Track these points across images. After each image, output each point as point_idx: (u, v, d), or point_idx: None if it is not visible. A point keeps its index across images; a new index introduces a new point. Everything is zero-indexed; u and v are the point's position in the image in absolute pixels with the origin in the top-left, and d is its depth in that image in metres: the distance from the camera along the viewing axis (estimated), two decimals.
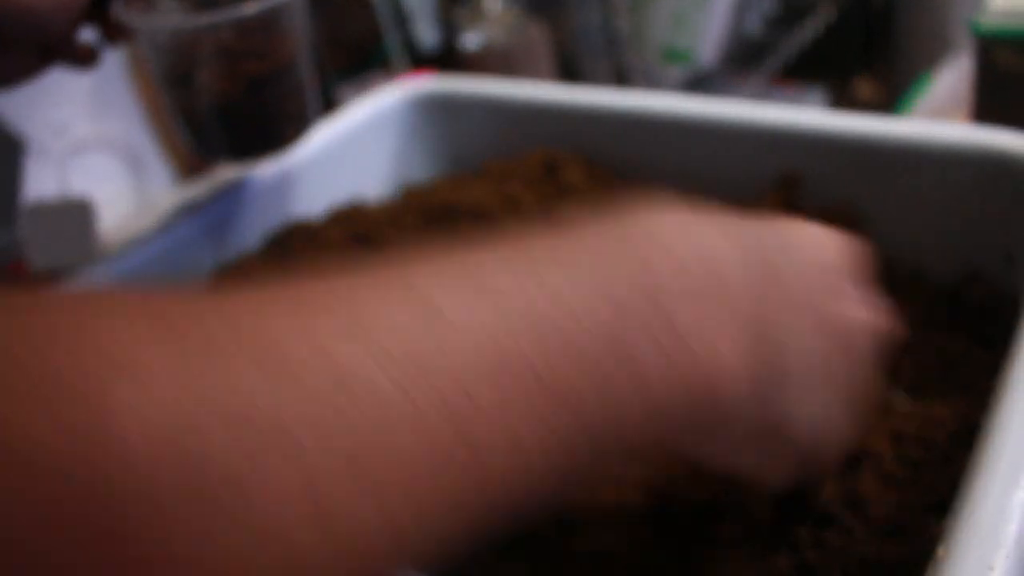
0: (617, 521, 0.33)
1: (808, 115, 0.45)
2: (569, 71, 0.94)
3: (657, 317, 0.17)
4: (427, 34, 0.97)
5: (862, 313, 0.23)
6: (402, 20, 0.95)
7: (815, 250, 0.23)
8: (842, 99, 1.51)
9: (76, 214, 0.65)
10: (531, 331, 0.15)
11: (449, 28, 0.95)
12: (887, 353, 0.25)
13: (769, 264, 0.21)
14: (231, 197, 0.51)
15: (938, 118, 0.73)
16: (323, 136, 0.56)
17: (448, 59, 0.97)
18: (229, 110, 0.44)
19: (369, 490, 0.14)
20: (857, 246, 0.25)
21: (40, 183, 0.80)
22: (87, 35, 0.43)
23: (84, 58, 0.43)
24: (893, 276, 0.42)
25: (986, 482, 0.25)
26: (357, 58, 0.95)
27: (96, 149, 0.86)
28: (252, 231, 0.52)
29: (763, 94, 1.18)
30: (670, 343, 0.17)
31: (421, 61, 0.96)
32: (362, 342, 0.14)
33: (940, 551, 0.24)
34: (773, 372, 0.20)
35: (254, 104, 0.44)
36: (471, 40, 0.84)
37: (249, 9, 0.41)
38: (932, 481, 0.30)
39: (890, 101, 1.46)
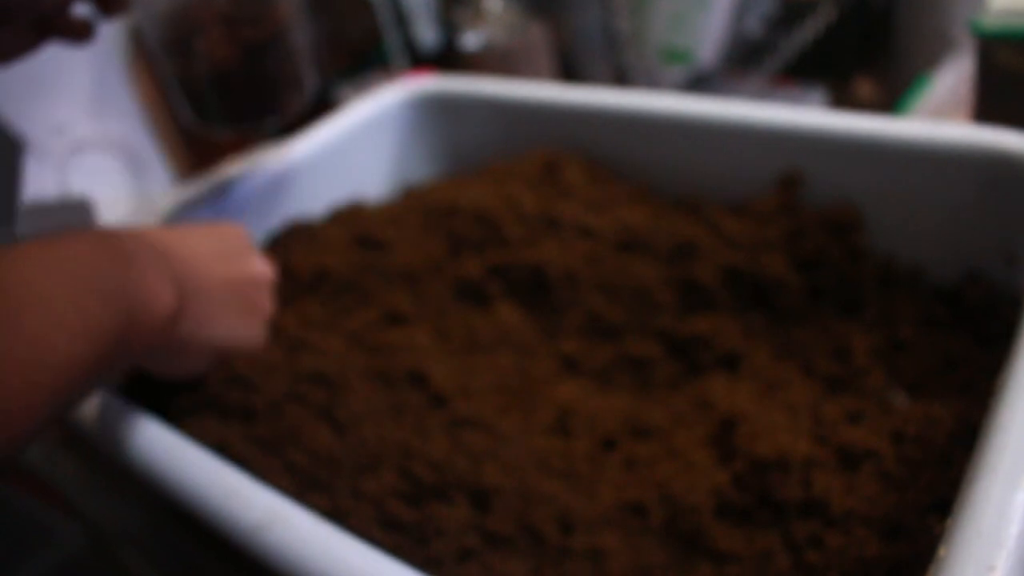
0: (617, 521, 0.33)
1: (808, 115, 0.45)
2: (569, 71, 0.94)
3: (134, 278, 0.32)
4: (427, 34, 0.97)
5: (252, 267, 0.41)
6: (402, 20, 0.95)
7: (220, 236, 0.40)
8: (842, 99, 1.50)
9: (76, 213, 0.65)
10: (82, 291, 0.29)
11: (449, 28, 0.95)
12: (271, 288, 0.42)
13: (186, 243, 0.38)
14: (230, 196, 0.51)
15: (938, 118, 0.72)
16: (323, 136, 0.56)
17: (448, 59, 0.97)
18: (227, 77, 0.44)
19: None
20: (241, 229, 0.41)
21: (40, 183, 0.80)
22: (83, 9, 0.43)
23: (80, 32, 0.43)
24: (894, 276, 0.42)
25: (987, 482, 0.25)
26: (357, 58, 0.94)
27: (96, 149, 0.85)
28: (252, 230, 0.52)
29: (763, 94, 1.18)
30: (138, 291, 0.32)
31: (421, 61, 0.96)
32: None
33: (941, 551, 0.24)
34: (183, 297, 0.35)
35: (252, 70, 0.45)
36: (471, 40, 0.84)
37: None
38: (932, 481, 0.30)
39: (890, 101, 1.45)
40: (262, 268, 0.41)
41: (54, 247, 0.30)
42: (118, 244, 0.32)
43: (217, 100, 0.45)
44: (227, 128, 0.47)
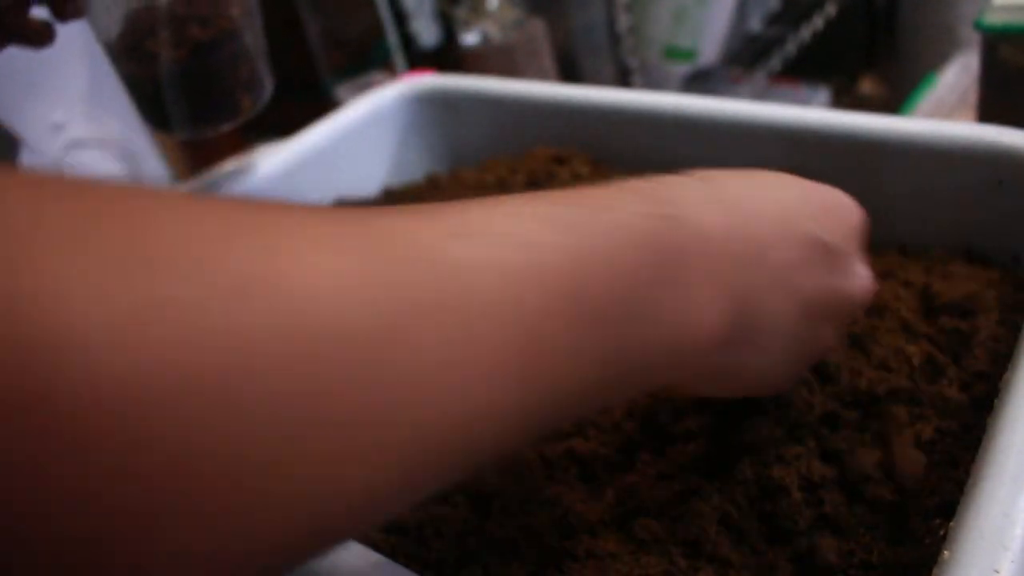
0: (618, 523, 0.33)
1: (813, 113, 0.44)
2: (570, 69, 0.94)
3: (672, 279, 0.21)
4: (427, 32, 0.96)
5: (850, 287, 0.26)
6: (401, 18, 0.95)
7: (830, 210, 0.26)
8: (846, 97, 1.50)
9: None
10: (565, 296, 0.18)
11: (449, 26, 0.95)
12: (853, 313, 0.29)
13: (760, 243, 0.24)
14: (228, 196, 0.51)
15: (943, 116, 0.72)
16: (323, 134, 0.56)
17: (448, 57, 0.96)
18: (178, 78, 0.44)
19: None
20: (856, 210, 0.28)
21: None
22: (42, 12, 0.43)
23: (39, 35, 0.43)
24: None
25: (992, 485, 0.24)
26: (357, 57, 0.94)
27: (93, 148, 0.85)
28: None
29: (766, 92, 1.17)
30: (674, 304, 0.21)
31: (421, 59, 0.96)
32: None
33: (945, 554, 0.24)
34: (744, 335, 0.23)
35: (201, 70, 0.44)
36: (471, 37, 0.84)
37: None
38: (937, 483, 0.29)
39: (894, 99, 1.45)
40: (858, 288, 0.26)
41: (556, 211, 0.19)
42: (681, 229, 0.21)
43: (172, 102, 0.45)
44: (183, 131, 0.47)
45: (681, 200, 0.23)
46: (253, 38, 0.46)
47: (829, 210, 0.27)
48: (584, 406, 0.21)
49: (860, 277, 0.27)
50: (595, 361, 0.19)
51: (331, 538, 0.17)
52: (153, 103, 0.46)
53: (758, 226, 0.24)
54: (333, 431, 0.14)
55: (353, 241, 0.16)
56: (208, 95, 0.45)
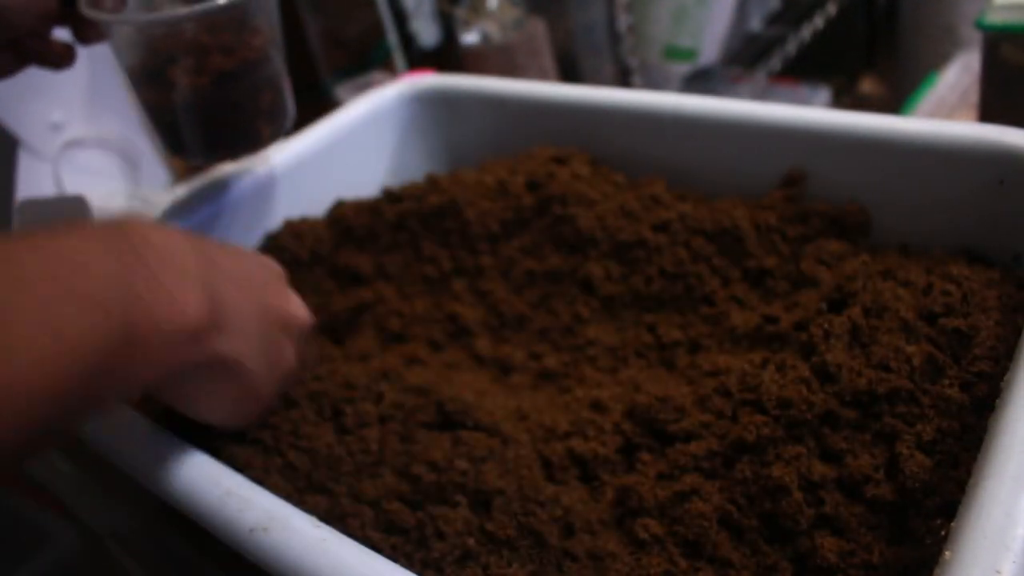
0: (617, 523, 0.33)
1: (813, 113, 0.44)
2: (569, 68, 0.94)
3: (145, 274, 0.26)
4: (426, 32, 0.96)
5: (293, 308, 0.34)
6: (401, 18, 0.95)
7: (260, 263, 0.34)
8: (846, 97, 1.50)
9: (71, 212, 0.65)
10: (61, 296, 0.24)
11: (448, 25, 0.95)
12: (303, 338, 0.35)
13: (231, 257, 0.31)
14: (228, 195, 0.51)
15: (944, 115, 0.72)
16: (322, 134, 0.56)
17: (448, 57, 0.96)
18: (198, 106, 0.44)
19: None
20: (279, 267, 0.36)
21: (35, 183, 0.80)
22: (62, 34, 0.43)
23: (60, 57, 0.43)
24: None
25: (993, 485, 0.24)
26: (357, 57, 0.94)
27: (91, 149, 0.85)
28: (251, 229, 0.52)
29: (766, 92, 1.17)
30: (153, 288, 0.26)
31: (421, 59, 0.96)
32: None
33: (947, 554, 0.24)
34: (217, 309, 0.28)
35: (223, 99, 0.44)
36: (471, 37, 0.84)
37: (217, 4, 0.41)
38: (938, 483, 0.29)
39: (895, 99, 1.45)
40: (302, 312, 0.35)
41: (46, 241, 0.25)
42: (127, 236, 0.27)
43: (191, 130, 0.45)
44: (200, 158, 0.47)
45: (129, 222, 0.28)
46: (276, 67, 0.46)
47: (261, 260, 0.35)
48: (107, 383, 0.25)
49: (298, 307, 0.35)
50: (103, 335, 0.24)
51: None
52: (171, 130, 0.45)
53: (207, 245, 0.31)
54: None
55: None
56: (229, 124, 0.45)
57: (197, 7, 0.41)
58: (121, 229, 0.27)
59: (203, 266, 0.28)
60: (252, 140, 0.46)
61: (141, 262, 0.26)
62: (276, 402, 0.35)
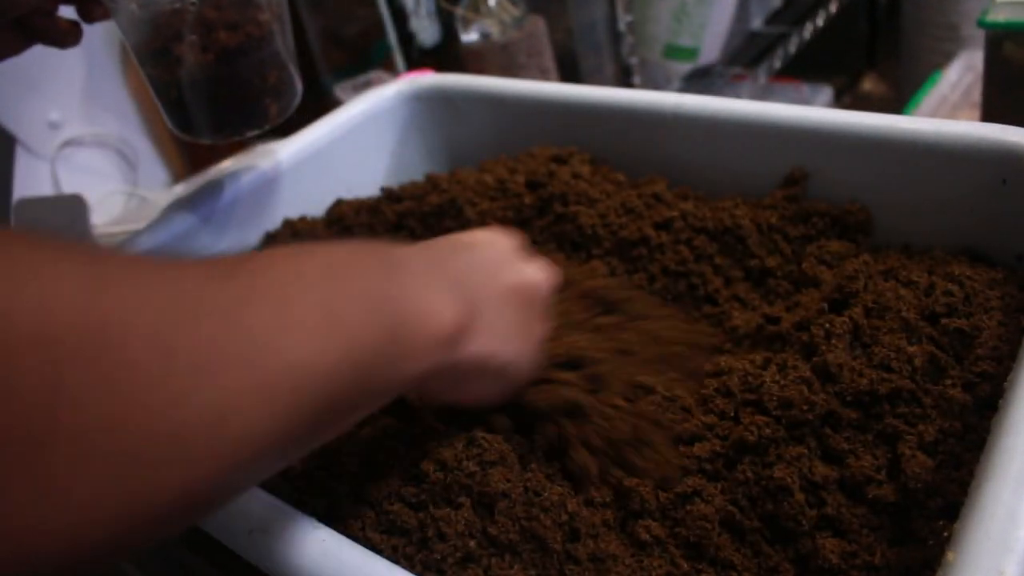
0: (620, 525, 0.33)
1: (815, 112, 0.44)
2: (569, 67, 0.93)
3: (401, 282, 0.28)
4: (426, 31, 0.96)
5: (531, 278, 0.34)
6: (401, 17, 0.94)
7: (490, 243, 0.34)
8: (848, 96, 1.50)
9: (69, 211, 0.65)
10: (337, 293, 0.25)
11: (448, 24, 0.95)
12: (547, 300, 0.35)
13: (461, 250, 0.33)
14: (227, 194, 0.51)
15: (946, 114, 0.72)
16: (322, 133, 0.55)
17: (448, 55, 0.96)
18: (204, 83, 0.43)
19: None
20: (516, 234, 0.36)
21: (33, 182, 0.80)
22: (69, 12, 0.43)
23: (67, 35, 0.43)
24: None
25: (996, 486, 0.24)
26: (357, 56, 0.94)
27: (90, 147, 0.85)
28: (251, 227, 0.52)
29: (767, 91, 1.17)
30: (413, 297, 0.27)
31: (421, 58, 0.96)
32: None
33: (949, 556, 0.23)
34: (471, 312, 0.30)
35: (228, 76, 0.44)
36: (471, 36, 0.84)
37: None
38: (941, 485, 0.29)
39: (897, 97, 1.44)
40: (542, 274, 0.35)
41: (307, 249, 0.26)
42: (384, 248, 0.28)
43: (197, 107, 0.45)
44: (207, 136, 0.46)
45: (373, 242, 0.30)
46: (283, 44, 0.46)
47: (492, 238, 0.35)
48: (380, 376, 0.26)
49: (537, 269, 0.35)
50: (376, 329, 0.25)
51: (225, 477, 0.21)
52: (177, 107, 0.45)
53: (439, 249, 0.32)
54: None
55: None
56: (235, 101, 0.45)
57: None
58: (373, 246, 0.28)
59: (452, 273, 0.30)
60: (259, 117, 0.46)
61: (404, 271, 0.28)
62: (535, 371, 0.35)
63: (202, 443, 0.19)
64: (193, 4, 0.41)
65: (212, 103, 0.44)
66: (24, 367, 0.17)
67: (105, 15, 0.44)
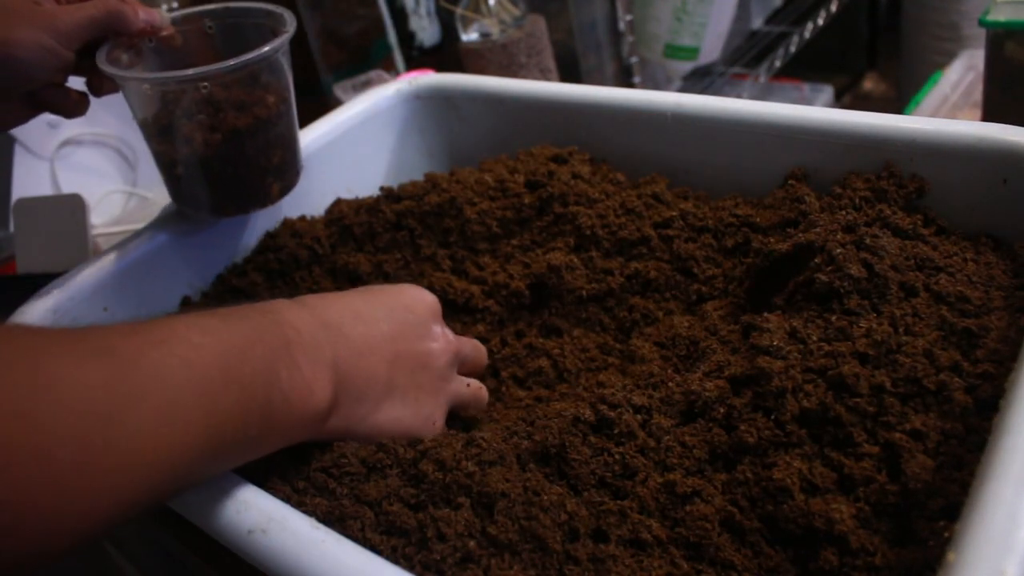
0: (618, 528, 0.33)
1: (815, 112, 0.44)
2: (569, 67, 0.93)
3: (284, 360, 0.30)
4: (426, 30, 0.96)
5: (426, 347, 0.37)
6: (401, 17, 0.94)
7: (394, 308, 0.37)
8: (849, 95, 1.50)
9: (68, 212, 0.65)
10: (217, 378, 0.28)
11: (448, 24, 0.95)
12: (455, 361, 0.39)
13: (361, 323, 0.35)
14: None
15: (947, 114, 0.72)
16: (322, 133, 0.55)
17: (448, 55, 0.96)
18: (209, 162, 0.44)
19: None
20: (429, 298, 0.39)
21: (32, 181, 0.80)
22: (76, 82, 0.43)
23: (74, 105, 0.44)
24: None
25: (997, 487, 0.24)
26: (357, 56, 0.94)
27: (89, 147, 0.85)
28: (251, 227, 0.52)
29: (768, 91, 1.17)
30: (290, 377, 0.30)
31: (420, 57, 0.96)
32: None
33: (950, 556, 0.23)
34: (345, 387, 0.33)
35: (234, 156, 0.44)
36: (471, 35, 0.84)
37: (229, 64, 0.41)
38: (942, 485, 0.29)
39: (898, 97, 1.44)
40: (438, 346, 0.37)
41: (211, 322, 0.29)
42: (280, 325, 0.31)
43: (200, 185, 0.45)
44: (208, 215, 0.47)
45: (279, 309, 0.33)
46: (288, 124, 0.46)
47: (407, 306, 0.37)
48: (238, 452, 0.29)
49: (434, 342, 0.37)
50: (244, 413, 0.28)
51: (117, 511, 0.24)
52: (181, 184, 0.45)
53: (339, 317, 0.34)
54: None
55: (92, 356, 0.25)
56: (239, 180, 0.45)
57: (210, 67, 0.40)
58: (276, 319, 0.31)
59: (333, 347, 0.33)
60: (261, 197, 0.46)
61: (287, 351, 0.30)
62: (442, 421, 0.38)
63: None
64: (205, 86, 0.41)
65: (216, 182, 0.45)
66: None
67: (114, 88, 0.44)
